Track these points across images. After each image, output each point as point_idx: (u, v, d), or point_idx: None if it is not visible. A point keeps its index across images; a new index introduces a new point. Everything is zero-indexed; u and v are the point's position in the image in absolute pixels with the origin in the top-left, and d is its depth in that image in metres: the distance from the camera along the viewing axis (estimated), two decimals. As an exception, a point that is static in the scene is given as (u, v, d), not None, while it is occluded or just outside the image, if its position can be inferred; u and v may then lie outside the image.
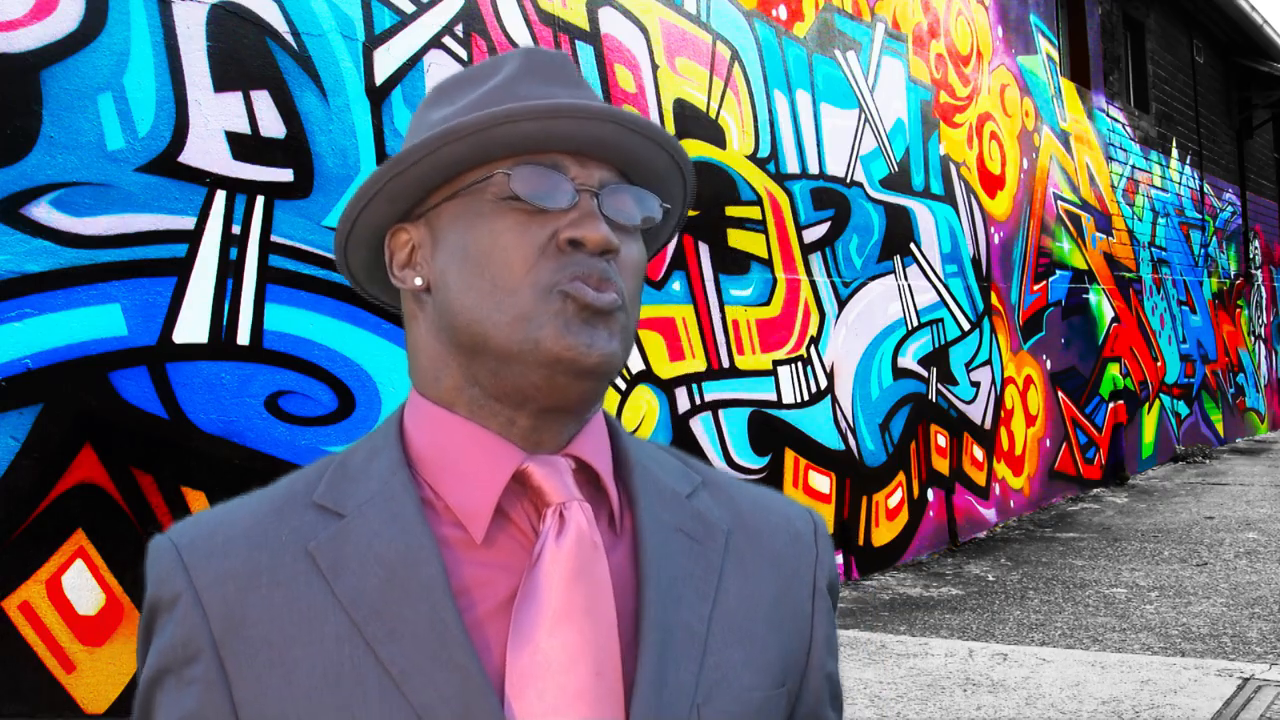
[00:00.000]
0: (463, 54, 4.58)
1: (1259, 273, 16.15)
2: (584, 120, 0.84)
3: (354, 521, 0.84)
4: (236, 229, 3.69)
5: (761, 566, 0.92)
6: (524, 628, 0.81)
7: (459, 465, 0.86)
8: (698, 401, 5.74)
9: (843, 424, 6.82)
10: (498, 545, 0.84)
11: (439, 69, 4.46)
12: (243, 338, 3.67)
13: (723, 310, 5.96)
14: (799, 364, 6.50)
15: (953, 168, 8.34)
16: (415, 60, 4.38)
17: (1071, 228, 10.31)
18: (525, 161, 0.84)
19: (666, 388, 5.55)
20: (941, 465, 7.81)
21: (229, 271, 3.65)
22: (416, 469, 0.87)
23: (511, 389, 0.84)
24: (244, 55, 3.77)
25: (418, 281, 0.87)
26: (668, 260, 5.63)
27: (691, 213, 5.74)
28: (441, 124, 0.87)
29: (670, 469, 0.94)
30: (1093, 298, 10.61)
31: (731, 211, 6.08)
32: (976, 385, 8.40)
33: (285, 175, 3.85)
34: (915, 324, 7.68)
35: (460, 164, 0.85)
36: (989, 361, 8.63)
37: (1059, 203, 10.10)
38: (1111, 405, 10.74)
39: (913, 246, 7.75)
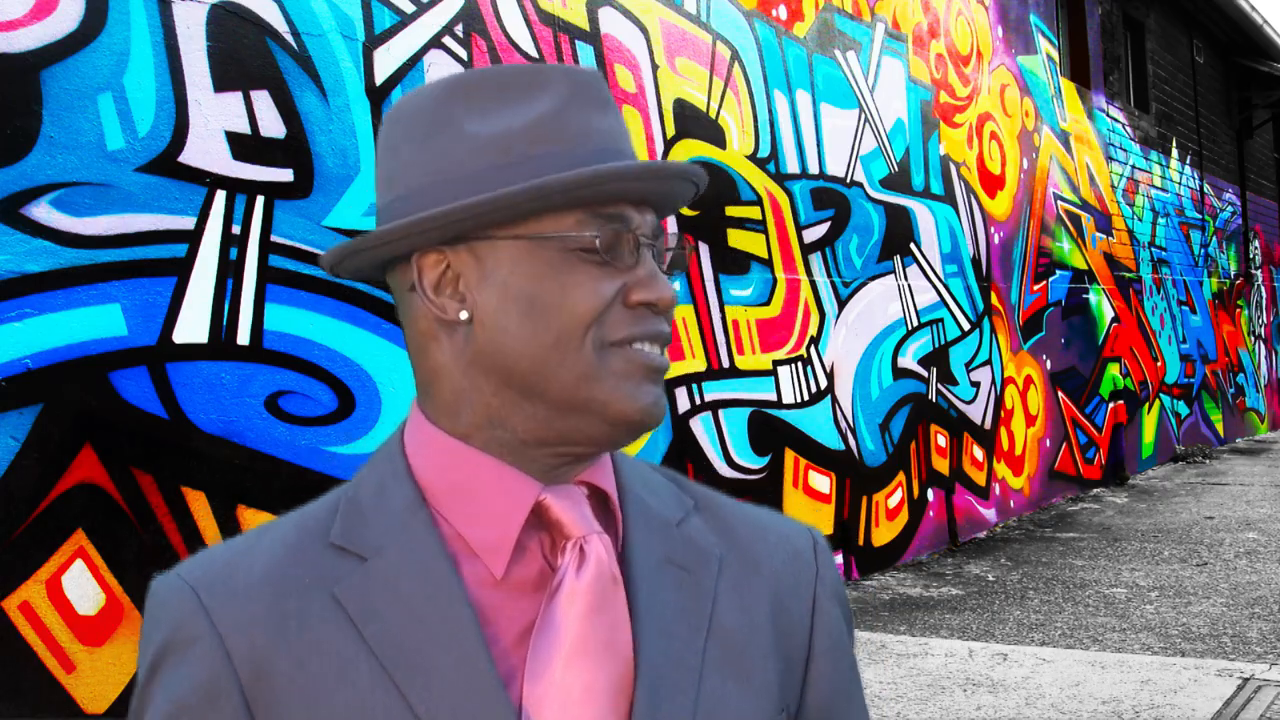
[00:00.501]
0: (463, 54, 4.58)
1: (1259, 273, 16.15)
2: (663, 180, 0.85)
3: (377, 564, 0.83)
4: (236, 229, 3.68)
5: (757, 589, 0.91)
6: (540, 659, 0.81)
7: (475, 499, 0.85)
8: (698, 401, 5.75)
9: (843, 424, 6.82)
10: (513, 578, 0.84)
11: (439, 69, 4.46)
12: (243, 338, 3.67)
13: (723, 310, 5.97)
14: (799, 364, 6.50)
15: (953, 168, 8.34)
16: (415, 60, 4.38)
17: (1071, 228, 10.31)
18: (598, 215, 0.83)
19: (666, 388, 5.54)
20: (941, 465, 7.81)
21: (229, 271, 3.65)
22: (428, 500, 0.86)
23: (556, 436, 0.84)
24: (244, 55, 3.77)
25: (463, 315, 0.84)
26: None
27: (691, 212, 5.74)
28: (492, 144, 0.84)
29: (662, 494, 0.93)
30: (1093, 298, 10.61)
31: (731, 211, 6.08)
32: (976, 385, 8.40)
33: (285, 175, 3.85)
34: (915, 324, 7.68)
35: (528, 214, 0.83)
36: (989, 361, 8.63)
37: (1059, 203, 10.10)
38: (1111, 405, 10.74)
39: (913, 246, 7.75)
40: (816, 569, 0.96)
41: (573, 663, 0.81)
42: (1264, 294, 16.32)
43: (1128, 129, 11.91)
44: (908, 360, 7.58)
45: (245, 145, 3.74)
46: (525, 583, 0.84)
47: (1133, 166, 11.90)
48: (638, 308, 0.83)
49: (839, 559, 6.47)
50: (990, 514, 8.38)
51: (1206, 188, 14.11)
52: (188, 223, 3.56)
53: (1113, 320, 10.98)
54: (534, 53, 4.93)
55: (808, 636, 0.93)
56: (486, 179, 0.83)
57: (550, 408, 0.83)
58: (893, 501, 7.20)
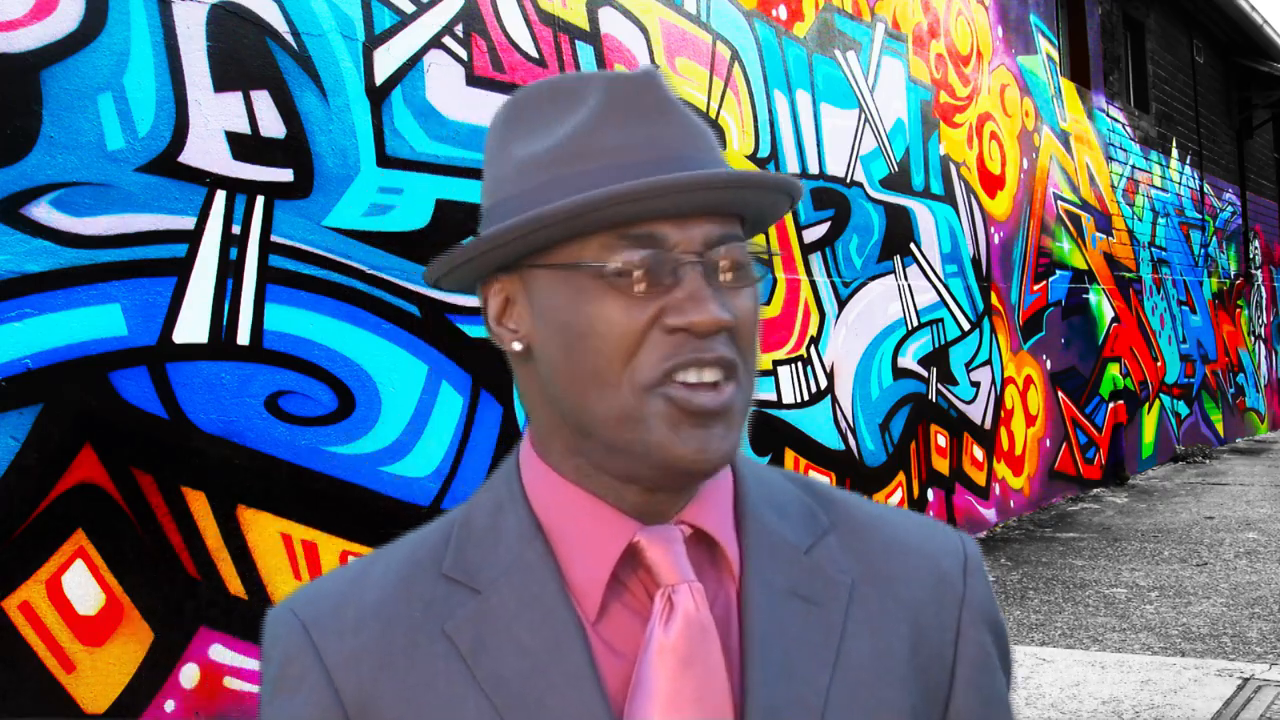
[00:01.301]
0: (463, 54, 4.58)
1: (1259, 273, 16.15)
2: (681, 194, 0.78)
3: (491, 599, 0.81)
4: (236, 229, 3.68)
5: (893, 619, 0.85)
6: (636, 716, 0.78)
7: (572, 535, 0.82)
8: (698, 401, 5.74)
9: (843, 424, 6.82)
10: (613, 618, 0.82)
11: (439, 69, 4.46)
12: (243, 338, 3.67)
13: (723, 310, 5.96)
14: (799, 364, 6.50)
15: (953, 168, 8.34)
16: (415, 60, 4.38)
17: (1071, 228, 10.31)
18: (622, 237, 0.78)
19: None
20: (941, 465, 7.81)
21: (229, 271, 3.65)
22: (544, 528, 0.83)
23: (620, 472, 0.81)
24: (244, 55, 3.77)
25: (516, 346, 0.83)
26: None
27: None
28: (524, 166, 0.82)
29: (793, 515, 0.88)
30: (1093, 298, 10.61)
31: (731, 211, 6.07)
32: (976, 385, 8.40)
33: (285, 175, 3.85)
34: (915, 324, 7.68)
35: (554, 241, 0.79)
36: (989, 361, 8.63)
37: (1059, 203, 10.10)
38: (1111, 405, 10.74)
39: (913, 246, 7.75)
40: (963, 592, 0.89)
41: None
42: (1264, 294, 16.32)
43: (1128, 129, 11.90)
44: (908, 360, 7.58)
45: (245, 145, 3.74)
46: (623, 627, 0.81)
47: (1133, 166, 11.89)
48: (675, 333, 0.77)
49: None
50: (990, 514, 8.38)
51: (1206, 188, 14.11)
52: (188, 223, 3.55)
53: (1113, 320, 10.98)
54: (534, 53, 4.93)
55: (950, 667, 0.87)
56: (522, 204, 0.80)
57: (604, 446, 0.80)
58: (893, 501, 7.20)
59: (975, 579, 0.90)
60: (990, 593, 0.92)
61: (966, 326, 8.35)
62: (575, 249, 0.79)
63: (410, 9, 4.38)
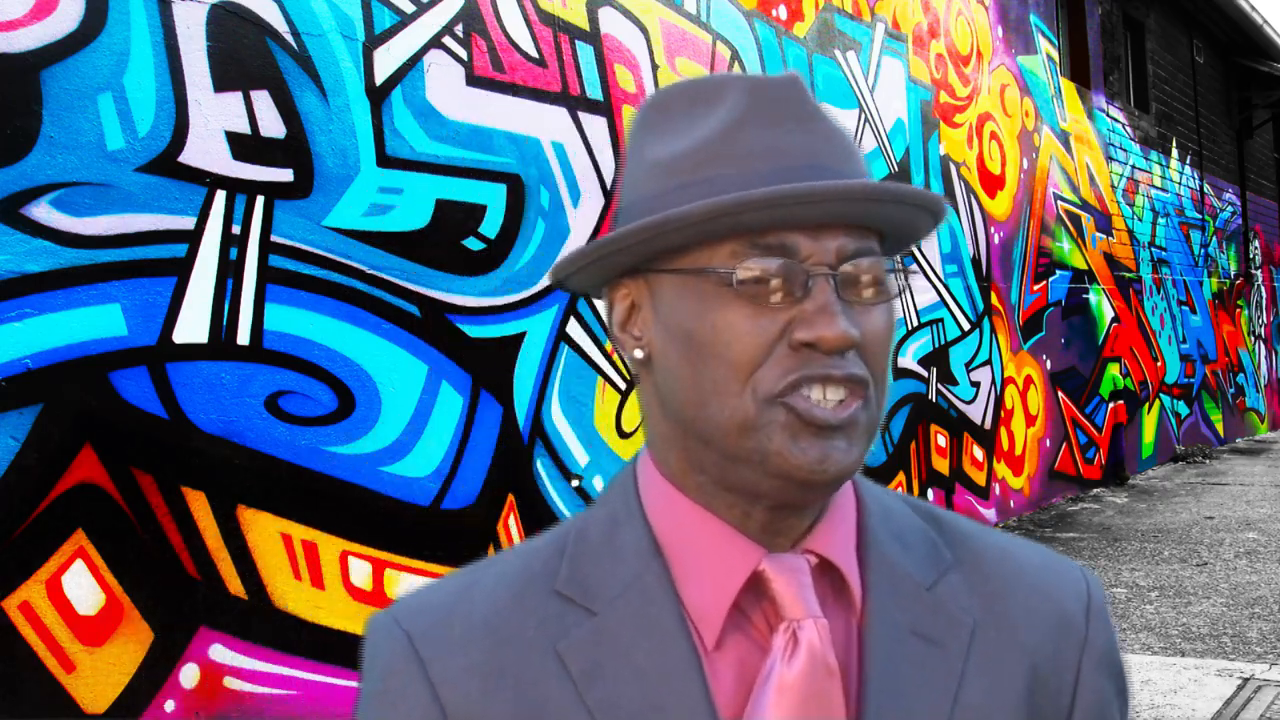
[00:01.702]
0: (463, 54, 4.58)
1: (1259, 273, 16.15)
2: (816, 204, 0.76)
3: (606, 621, 0.79)
4: (236, 229, 3.68)
5: (1012, 662, 0.83)
6: None
7: (693, 556, 0.80)
8: (698, 401, 5.74)
9: (843, 424, 6.82)
10: (731, 648, 0.79)
11: (439, 69, 4.46)
12: (243, 338, 3.67)
13: (723, 310, 5.96)
14: (799, 364, 6.50)
15: (953, 168, 8.34)
16: (415, 60, 4.38)
17: (1071, 228, 10.32)
18: (753, 245, 0.76)
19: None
20: (941, 465, 7.81)
21: (229, 271, 3.65)
22: (661, 546, 0.81)
23: (739, 485, 0.79)
24: (244, 55, 3.77)
25: (638, 354, 0.81)
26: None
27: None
28: (659, 168, 0.80)
29: (916, 548, 0.85)
30: (1093, 298, 10.61)
31: (731, 211, 6.07)
32: (976, 385, 8.40)
33: (285, 175, 3.85)
34: (915, 324, 7.69)
35: (683, 245, 0.78)
36: (989, 361, 8.63)
37: (1059, 203, 10.10)
38: (1111, 405, 10.74)
39: (912, 246, 7.74)
40: (1086, 635, 0.86)
41: None
42: (1264, 294, 16.33)
43: (1128, 129, 11.91)
44: (908, 360, 7.58)
45: (245, 145, 3.74)
46: (743, 656, 0.79)
47: (1133, 166, 11.90)
48: (801, 349, 0.75)
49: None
50: (990, 514, 8.38)
51: (1206, 188, 14.12)
52: (188, 223, 3.55)
53: (1113, 320, 10.98)
54: (534, 53, 4.93)
55: (1067, 712, 0.84)
56: (653, 206, 0.78)
57: (722, 456, 0.78)
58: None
59: (1098, 621, 0.88)
60: (1113, 636, 0.89)
61: (966, 326, 8.35)
62: (704, 255, 0.77)
63: (410, 9, 4.38)
